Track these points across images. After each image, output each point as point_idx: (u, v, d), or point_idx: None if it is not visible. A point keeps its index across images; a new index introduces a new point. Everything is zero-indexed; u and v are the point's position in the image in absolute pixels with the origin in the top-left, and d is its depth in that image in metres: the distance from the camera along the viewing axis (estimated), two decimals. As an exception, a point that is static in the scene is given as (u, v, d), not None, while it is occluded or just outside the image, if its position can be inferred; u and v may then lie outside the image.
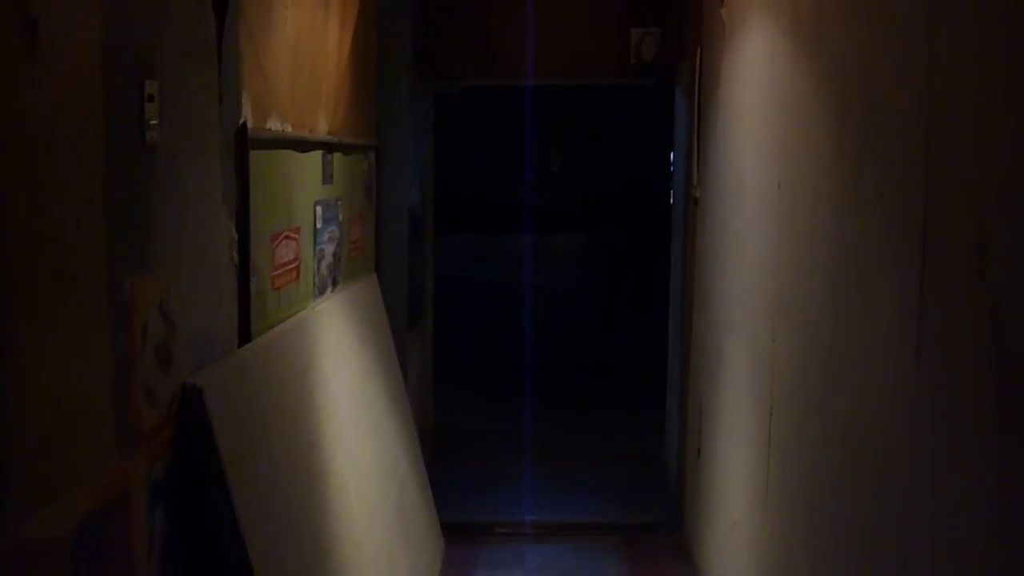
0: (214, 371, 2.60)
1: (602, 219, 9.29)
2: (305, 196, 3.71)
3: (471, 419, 7.46)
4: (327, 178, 4.07)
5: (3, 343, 1.69)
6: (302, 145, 3.67)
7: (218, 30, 2.73)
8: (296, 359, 3.32)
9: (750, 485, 3.57)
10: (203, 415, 2.45)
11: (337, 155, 4.24)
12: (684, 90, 5.48)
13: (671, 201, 6.21)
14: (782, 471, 3.12)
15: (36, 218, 1.79)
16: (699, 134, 4.92)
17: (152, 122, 2.26)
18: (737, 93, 3.98)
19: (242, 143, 2.92)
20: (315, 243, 3.85)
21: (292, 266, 3.51)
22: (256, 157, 3.05)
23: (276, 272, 3.31)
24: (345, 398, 3.89)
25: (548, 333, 8.64)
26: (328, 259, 4.07)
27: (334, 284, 4.19)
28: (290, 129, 3.50)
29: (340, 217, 4.28)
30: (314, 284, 3.85)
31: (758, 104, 3.56)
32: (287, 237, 3.44)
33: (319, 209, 3.90)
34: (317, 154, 3.91)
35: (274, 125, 3.31)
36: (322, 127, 4.02)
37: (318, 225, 3.89)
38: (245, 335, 2.98)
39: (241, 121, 2.93)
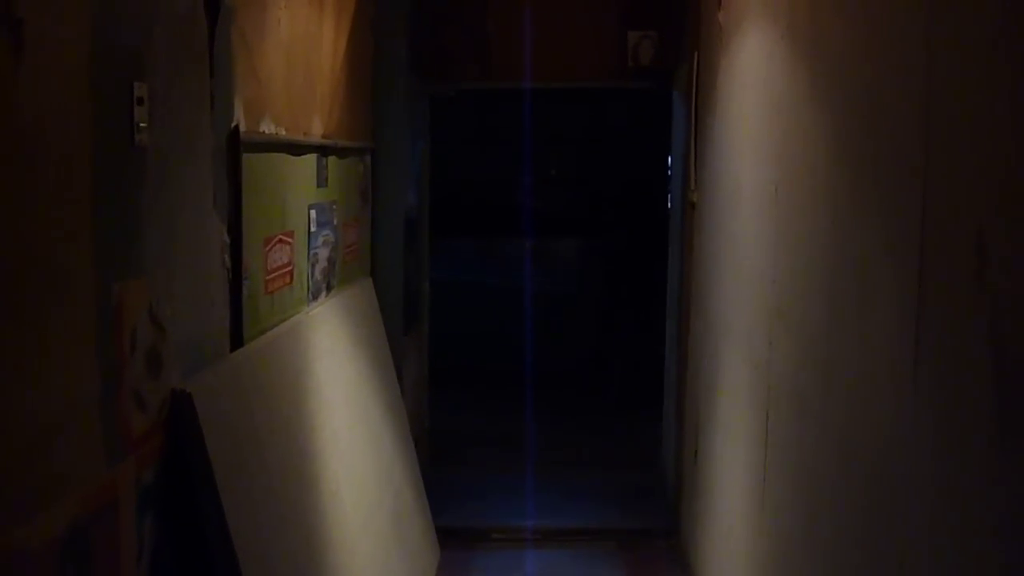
0: (205, 376, 2.57)
1: (601, 223, 9.26)
2: (299, 200, 3.69)
3: (468, 423, 7.43)
4: (322, 181, 4.04)
5: (-14, 348, 1.67)
6: (296, 148, 3.65)
7: (210, 32, 2.71)
8: (289, 364, 3.30)
9: (747, 490, 3.54)
10: (193, 421, 2.42)
11: (332, 158, 4.22)
12: (681, 93, 5.46)
13: (669, 205, 6.19)
14: (779, 476, 3.09)
15: (20, 221, 1.77)
16: (696, 137, 4.90)
17: (142, 125, 2.23)
18: (734, 96, 3.96)
19: (234, 146, 2.90)
20: (309, 247, 3.83)
21: (286, 270, 3.49)
22: (249, 160, 3.02)
23: (269, 276, 3.29)
24: (339, 403, 3.87)
25: (546, 337, 8.61)
26: (323, 263, 4.05)
27: (329, 288, 4.17)
28: (284, 132, 3.47)
29: (335, 221, 4.26)
30: (308, 288, 3.83)
31: (755, 108, 3.54)
32: (281, 241, 3.42)
33: (313, 213, 3.87)
34: (311, 157, 3.89)
35: (267, 128, 3.28)
36: (317, 130, 3.99)
37: (312, 229, 3.86)
38: (237, 340, 2.95)
39: (233, 124, 2.91)
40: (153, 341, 2.33)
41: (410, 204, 5.58)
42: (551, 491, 6.00)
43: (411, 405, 5.46)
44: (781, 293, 3.07)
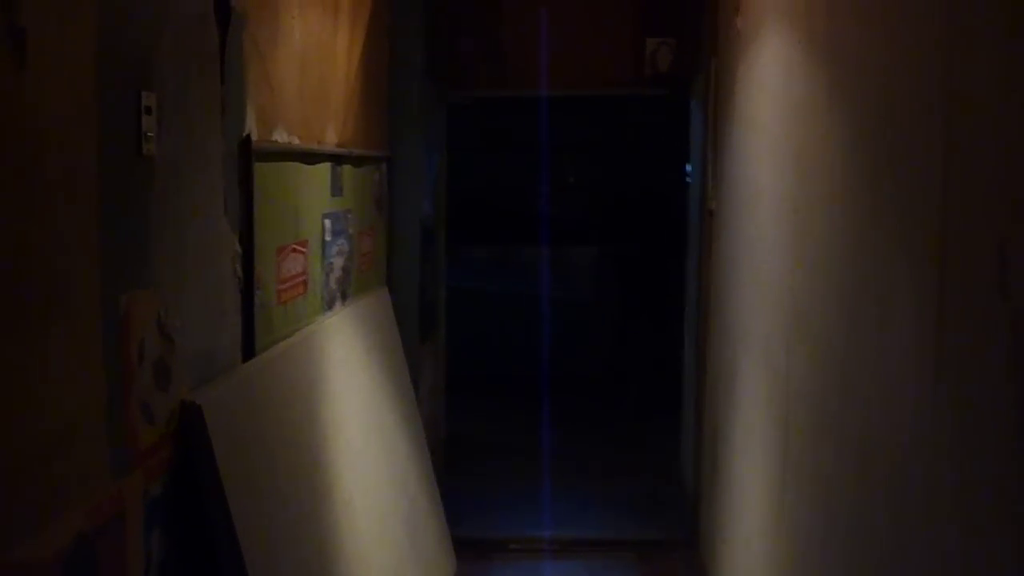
0: (215, 388, 2.55)
1: (618, 230, 9.22)
2: (313, 209, 3.67)
3: (485, 432, 7.39)
4: (336, 190, 4.02)
5: (-12, 361, 1.65)
6: (310, 157, 3.62)
7: (221, 39, 2.69)
8: (302, 374, 3.27)
9: (765, 502, 3.50)
10: (202, 433, 2.39)
11: (347, 167, 4.20)
12: (699, 100, 5.43)
13: (687, 213, 6.14)
14: (797, 488, 3.05)
15: (23, 232, 1.75)
16: (714, 145, 4.86)
17: (150, 134, 2.21)
18: (752, 103, 3.92)
19: (246, 155, 2.88)
20: (324, 256, 3.81)
21: (299, 280, 3.46)
22: (261, 169, 3.00)
23: (282, 286, 3.26)
24: (354, 413, 3.84)
25: (563, 345, 8.57)
26: (337, 272, 4.03)
27: (344, 298, 4.14)
28: (297, 141, 3.45)
29: (350, 230, 4.24)
30: (322, 298, 3.80)
31: (773, 114, 3.50)
32: (294, 250, 3.39)
33: (328, 222, 3.85)
34: (326, 166, 3.87)
35: (280, 137, 3.26)
36: (331, 138, 3.97)
37: (327, 238, 3.84)
38: (249, 350, 2.93)
39: (245, 133, 2.89)
40: (162, 352, 2.31)
41: (426, 212, 5.56)
42: (568, 501, 5.96)
43: (427, 414, 5.43)
44: (798, 301, 3.04)
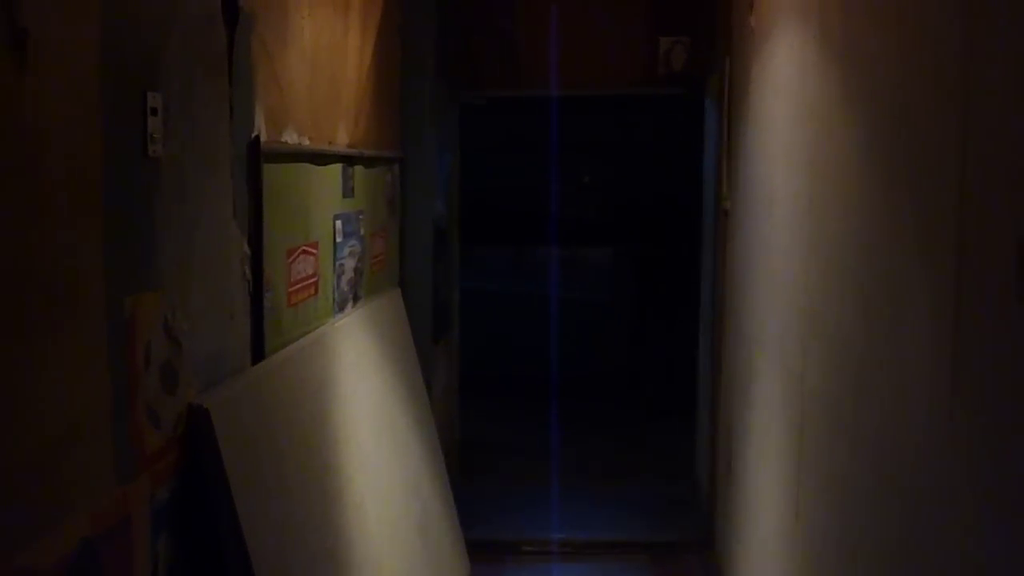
0: (223, 391, 2.53)
1: (634, 231, 9.18)
2: (324, 210, 3.65)
3: (499, 434, 7.37)
4: (348, 191, 4.00)
5: (-10, 365, 1.63)
6: (320, 158, 3.60)
7: (229, 39, 2.67)
8: (313, 377, 3.25)
9: (780, 505, 3.46)
10: (210, 436, 2.37)
11: (358, 168, 4.18)
12: (714, 99, 5.39)
13: (702, 212, 6.10)
14: (813, 488, 3.02)
15: (26, 234, 1.73)
16: (729, 144, 4.82)
17: (155, 135, 2.19)
18: (767, 102, 3.88)
19: (255, 156, 2.86)
20: (335, 258, 3.79)
21: (310, 282, 3.44)
22: (270, 171, 2.98)
23: (292, 288, 3.24)
24: (365, 415, 3.82)
25: (578, 346, 8.54)
26: (349, 274, 4.00)
27: (355, 299, 4.12)
28: (307, 142, 3.43)
29: (362, 231, 4.21)
30: (334, 299, 3.78)
31: (788, 113, 3.47)
32: (304, 252, 3.37)
33: (339, 223, 3.83)
34: (337, 167, 3.84)
35: (290, 138, 3.24)
36: (342, 139, 3.95)
37: (338, 239, 3.82)
38: (259, 353, 2.91)
39: (254, 134, 2.87)
40: (169, 355, 2.29)
41: (439, 213, 5.54)
42: (583, 502, 5.93)
43: (441, 416, 5.41)
44: (814, 300, 3.00)
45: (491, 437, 7.16)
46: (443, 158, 5.68)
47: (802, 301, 3.15)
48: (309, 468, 3.04)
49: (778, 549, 3.52)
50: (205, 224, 2.53)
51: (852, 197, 2.58)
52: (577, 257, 9.30)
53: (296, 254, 3.28)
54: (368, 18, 4.37)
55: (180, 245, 2.35)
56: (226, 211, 2.68)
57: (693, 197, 6.45)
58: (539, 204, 9.25)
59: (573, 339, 8.50)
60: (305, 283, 3.38)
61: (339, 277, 3.86)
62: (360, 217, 4.19)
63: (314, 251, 3.49)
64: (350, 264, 4.02)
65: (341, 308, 3.89)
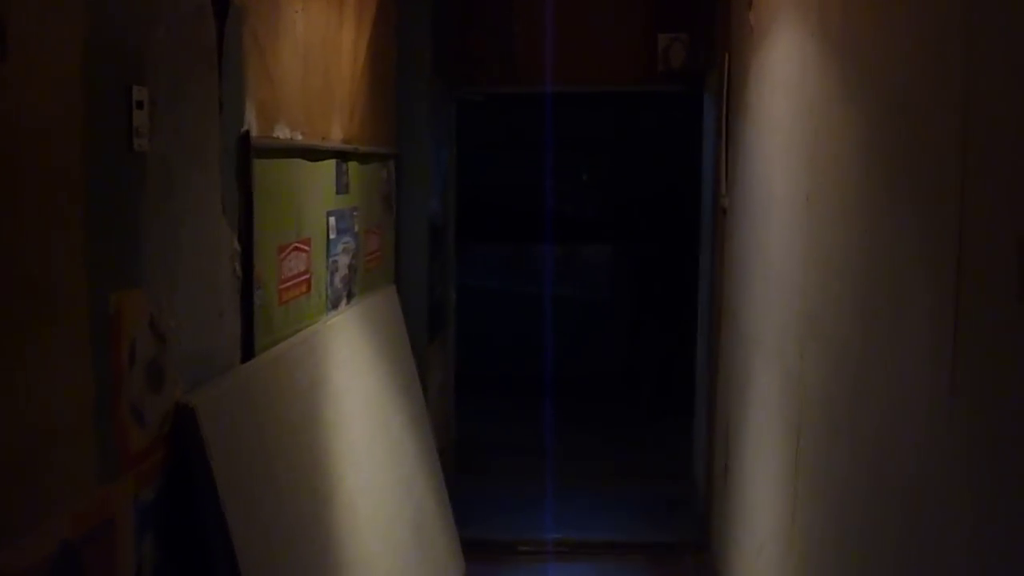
0: (211, 389, 2.49)
1: (632, 228, 9.13)
2: (317, 206, 3.60)
3: (495, 433, 7.33)
4: (342, 188, 3.96)
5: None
6: (313, 154, 3.56)
7: (219, 33, 2.62)
8: (303, 375, 3.21)
9: (777, 507, 3.43)
10: (196, 436, 2.33)
11: (353, 164, 4.13)
12: (713, 96, 5.35)
13: (700, 211, 6.06)
14: (810, 493, 2.98)
15: (3, 229, 1.68)
16: (727, 141, 4.78)
17: (141, 129, 2.15)
18: (765, 99, 3.85)
19: (244, 151, 2.81)
20: (328, 255, 3.74)
21: (302, 279, 3.40)
22: (261, 166, 2.94)
23: (284, 285, 3.20)
24: (358, 414, 3.78)
25: (575, 345, 8.50)
26: (342, 271, 3.96)
27: (350, 296, 4.08)
28: (300, 137, 3.39)
29: (356, 228, 4.17)
30: (327, 297, 3.74)
31: (787, 110, 3.43)
32: (296, 249, 3.33)
33: (332, 220, 3.79)
34: (330, 163, 3.80)
35: (282, 133, 3.20)
36: (336, 135, 3.91)
37: (331, 236, 3.78)
38: (248, 351, 2.87)
39: (244, 129, 2.82)
40: (154, 353, 2.25)
41: (435, 210, 5.50)
42: (579, 502, 5.90)
43: (436, 415, 5.37)
44: (811, 302, 2.97)
45: (487, 436, 7.12)
46: (440, 154, 5.63)
47: (800, 300, 3.12)
48: (299, 467, 3.00)
49: (775, 551, 3.49)
50: (193, 220, 2.48)
51: (851, 195, 2.54)
52: (575, 255, 9.25)
53: (288, 251, 3.24)
54: (363, 12, 4.33)
55: (167, 241, 2.31)
56: (215, 207, 2.64)
57: (692, 195, 6.41)
58: (537, 201, 9.20)
59: (570, 338, 8.46)
60: (297, 280, 3.34)
61: (332, 274, 3.82)
62: (354, 214, 4.15)
63: (306, 248, 3.45)
64: (344, 261, 3.98)
65: (334, 306, 3.84)
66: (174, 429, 2.33)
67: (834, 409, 2.70)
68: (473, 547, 5.05)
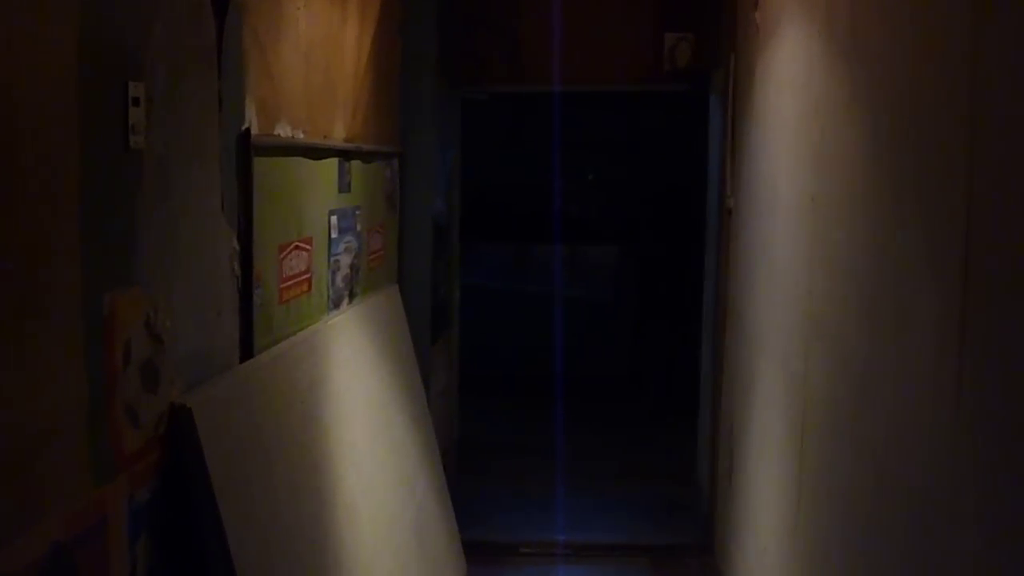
0: (208, 390, 2.46)
1: (637, 229, 9.10)
2: (318, 205, 3.58)
3: (498, 434, 7.30)
4: (344, 186, 3.93)
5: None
6: (315, 152, 3.53)
7: (218, 30, 2.60)
8: (303, 375, 3.18)
9: (781, 510, 3.40)
10: (192, 436, 2.31)
11: (356, 162, 4.11)
12: (718, 96, 5.32)
13: (706, 211, 6.03)
14: (813, 494, 2.96)
15: (-5, 228, 1.66)
16: (733, 142, 4.75)
17: (137, 127, 2.12)
18: (771, 99, 3.82)
19: (244, 149, 2.79)
20: (329, 254, 3.72)
21: (303, 278, 3.38)
22: (261, 164, 2.91)
23: (284, 284, 3.18)
24: (359, 414, 3.75)
25: (580, 346, 8.46)
26: (344, 270, 3.94)
27: (352, 296, 4.06)
28: (302, 135, 3.36)
29: (358, 227, 4.15)
30: (328, 296, 3.72)
31: (792, 111, 3.40)
32: (297, 248, 3.31)
33: (334, 218, 3.76)
34: (333, 161, 3.78)
35: (283, 131, 3.17)
36: (339, 133, 3.88)
37: (333, 235, 3.75)
38: (247, 351, 2.84)
39: (244, 126, 2.80)
40: (150, 353, 2.22)
41: (439, 210, 5.47)
42: (582, 504, 5.87)
43: (439, 415, 5.35)
44: (816, 304, 2.94)
45: (490, 437, 7.10)
46: (444, 153, 5.61)
47: (805, 302, 3.09)
48: (298, 468, 2.97)
49: (778, 554, 3.46)
50: (191, 218, 2.46)
51: (857, 196, 2.52)
52: (579, 255, 9.22)
53: (288, 250, 3.21)
54: (367, 9, 4.30)
55: (163, 240, 2.29)
56: (214, 205, 2.61)
57: (697, 195, 6.38)
58: (542, 201, 9.17)
59: (575, 338, 8.43)
60: (297, 279, 3.31)
61: (334, 274, 3.79)
62: (357, 213, 4.13)
63: (308, 247, 3.43)
64: (346, 260, 3.96)
65: (336, 305, 3.82)
66: (170, 430, 2.30)
67: (839, 410, 2.68)
68: (475, 548, 5.03)
